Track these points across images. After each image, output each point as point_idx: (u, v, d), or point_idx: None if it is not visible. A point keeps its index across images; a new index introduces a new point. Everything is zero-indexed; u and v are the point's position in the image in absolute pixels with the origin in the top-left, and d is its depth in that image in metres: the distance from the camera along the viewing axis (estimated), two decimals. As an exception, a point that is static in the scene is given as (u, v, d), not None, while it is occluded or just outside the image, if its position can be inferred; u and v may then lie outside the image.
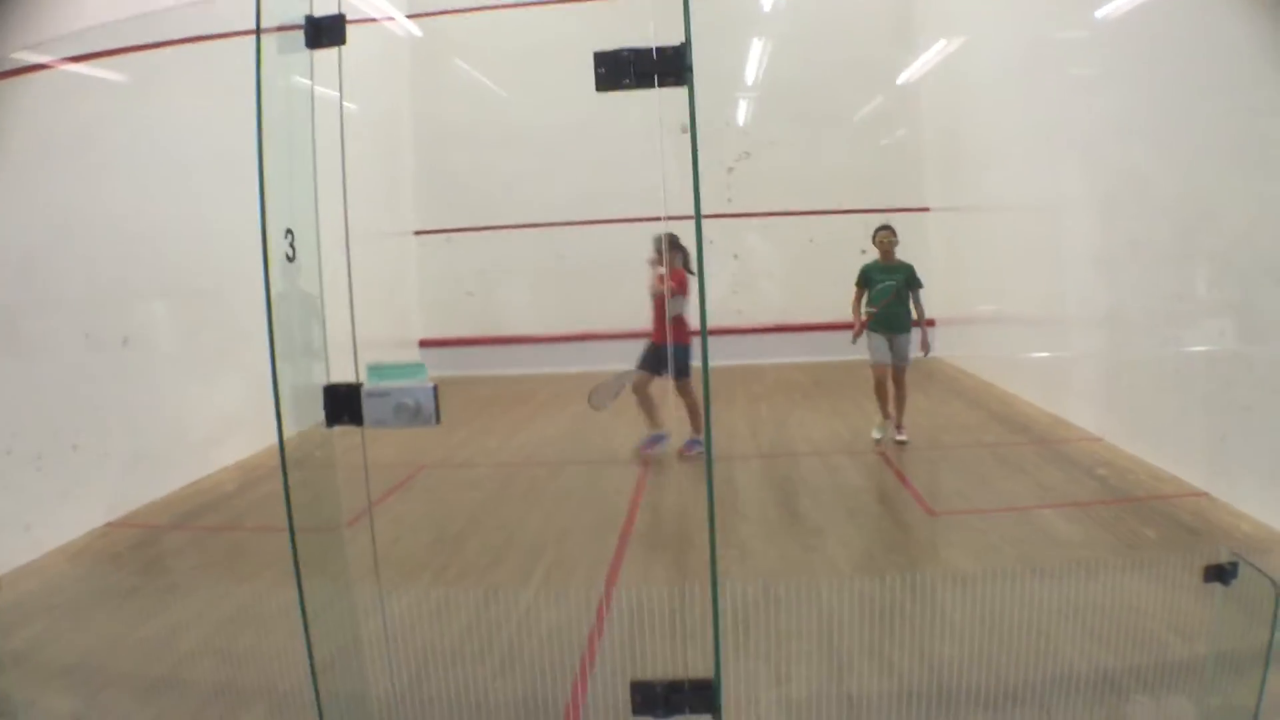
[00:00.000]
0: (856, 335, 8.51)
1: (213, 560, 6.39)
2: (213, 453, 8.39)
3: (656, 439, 8.36)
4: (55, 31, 6.02)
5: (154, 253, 7.53)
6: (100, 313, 7.03)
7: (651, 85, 3.01)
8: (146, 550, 6.54)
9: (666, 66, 3.00)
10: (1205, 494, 6.43)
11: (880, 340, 8.43)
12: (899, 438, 8.49)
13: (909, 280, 8.43)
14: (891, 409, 8.63)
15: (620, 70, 3.00)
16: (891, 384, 8.54)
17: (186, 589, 5.65)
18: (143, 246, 7.36)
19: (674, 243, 7.85)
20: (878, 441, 8.54)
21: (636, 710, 3.44)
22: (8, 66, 5.81)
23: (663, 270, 7.63)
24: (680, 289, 7.87)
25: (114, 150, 7.05)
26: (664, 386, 8.11)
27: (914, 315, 8.45)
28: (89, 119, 6.80)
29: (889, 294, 8.37)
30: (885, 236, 8.57)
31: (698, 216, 3.20)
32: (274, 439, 8.54)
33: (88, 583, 5.90)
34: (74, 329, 6.80)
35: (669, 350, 7.90)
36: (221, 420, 8.45)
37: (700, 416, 7.41)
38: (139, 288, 7.55)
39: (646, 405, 8.33)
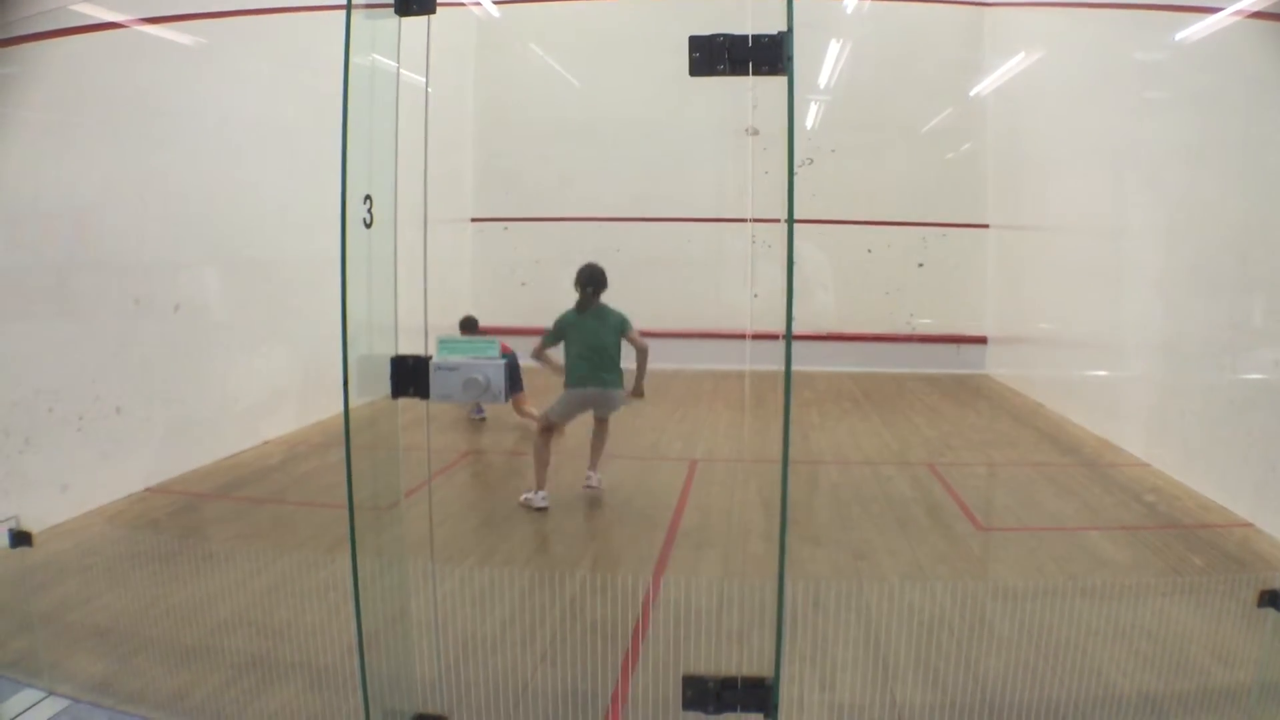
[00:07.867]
0: None
1: (253, 531, 6.38)
2: (257, 425, 8.38)
3: None
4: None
5: (207, 221, 7.53)
6: (151, 278, 7.02)
7: (746, 73, 2.93)
8: (186, 517, 6.55)
9: (763, 55, 2.91)
10: (1250, 524, 6.36)
11: None
12: None
13: None
14: None
15: (715, 56, 2.92)
16: None
17: (225, 558, 5.63)
18: (196, 214, 7.37)
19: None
20: None
21: (687, 705, 3.37)
22: (69, 23, 5.81)
23: None
24: None
25: (172, 115, 7.06)
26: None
27: None
28: (149, 82, 6.81)
29: None
30: None
31: (790, 218, 3.09)
32: (319, 415, 8.57)
33: (123, 545, 5.88)
34: (123, 293, 6.80)
35: None
36: (267, 393, 8.48)
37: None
38: (190, 255, 7.54)
39: None
